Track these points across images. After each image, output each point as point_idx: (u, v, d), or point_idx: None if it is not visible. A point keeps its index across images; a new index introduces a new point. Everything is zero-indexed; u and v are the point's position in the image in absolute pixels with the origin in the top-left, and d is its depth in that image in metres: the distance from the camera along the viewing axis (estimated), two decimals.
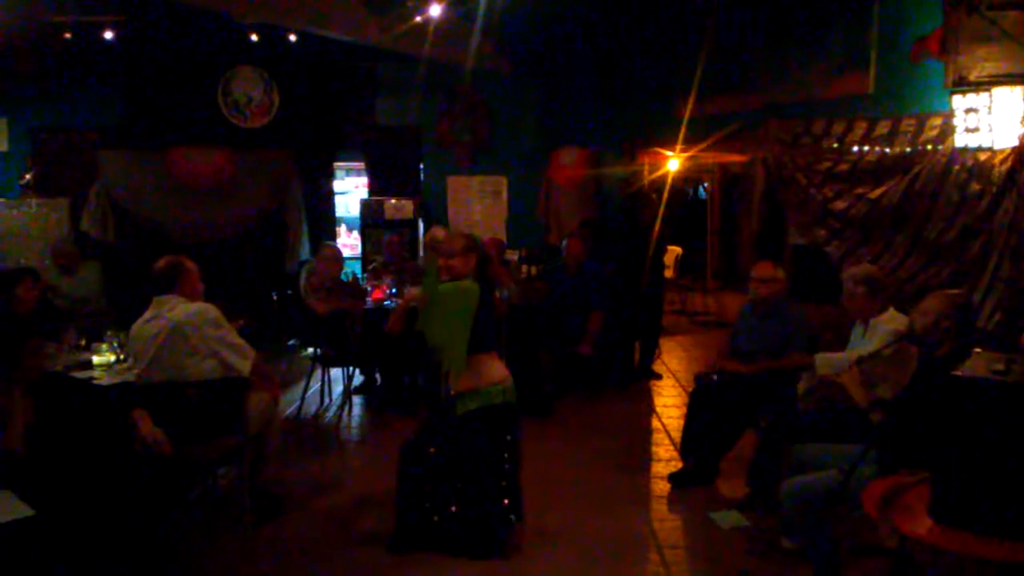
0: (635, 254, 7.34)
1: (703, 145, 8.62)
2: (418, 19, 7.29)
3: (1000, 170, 5.49)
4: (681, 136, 8.57)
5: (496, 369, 3.90)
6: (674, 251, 11.46)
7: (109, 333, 4.58)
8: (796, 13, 7.52)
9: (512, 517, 3.92)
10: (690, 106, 8.26)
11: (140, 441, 3.53)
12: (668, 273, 10.05)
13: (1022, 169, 5.34)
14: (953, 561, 2.26)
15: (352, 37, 8.41)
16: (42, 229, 8.37)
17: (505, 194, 9.73)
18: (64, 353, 4.59)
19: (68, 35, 8.26)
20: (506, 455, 3.90)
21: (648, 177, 10.05)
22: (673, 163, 9.90)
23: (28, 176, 9.04)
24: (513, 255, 8.56)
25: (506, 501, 3.89)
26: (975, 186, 5.67)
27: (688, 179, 13.77)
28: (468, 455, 3.83)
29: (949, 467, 2.35)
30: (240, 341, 4.04)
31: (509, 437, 3.92)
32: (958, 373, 2.35)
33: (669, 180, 9.60)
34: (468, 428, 3.83)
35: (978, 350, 2.61)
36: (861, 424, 3.60)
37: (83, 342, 4.76)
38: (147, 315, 3.95)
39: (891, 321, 3.91)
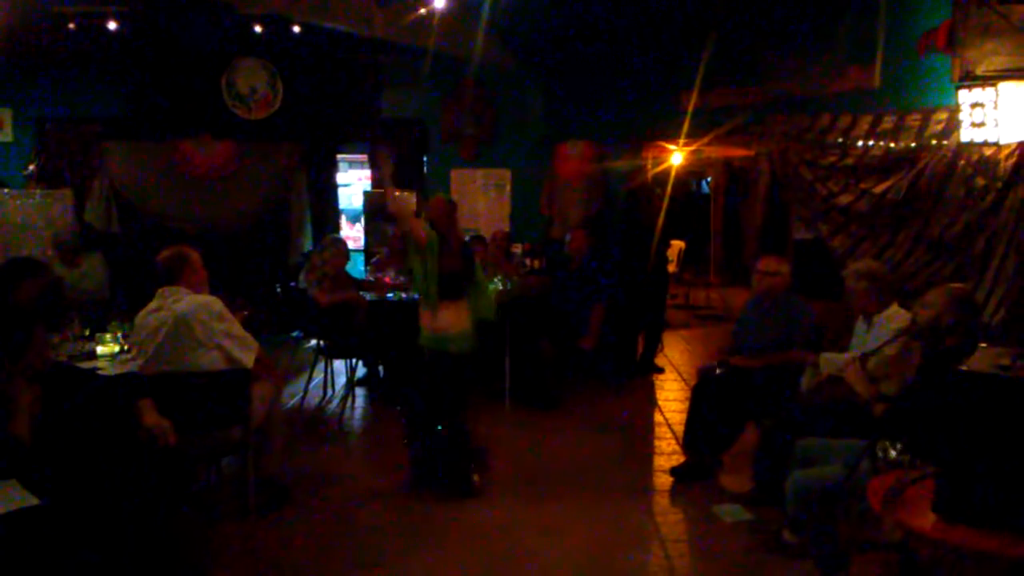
0: (638, 248, 7.33)
1: (707, 139, 8.60)
2: (423, 11, 7.27)
3: (1005, 165, 5.47)
4: (685, 130, 8.54)
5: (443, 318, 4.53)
6: (677, 245, 11.47)
7: (113, 324, 4.59)
8: (802, 6, 7.48)
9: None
10: (694, 100, 8.22)
11: (145, 431, 3.53)
12: (671, 267, 10.05)
13: None
14: (958, 556, 2.26)
15: (357, 29, 8.39)
16: (46, 220, 8.38)
17: (509, 187, 9.71)
18: (68, 343, 4.60)
19: (72, 25, 8.24)
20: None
21: (652, 171, 10.04)
22: (677, 157, 9.88)
23: (32, 167, 9.03)
24: (517, 248, 8.56)
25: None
26: (980, 181, 5.65)
27: (692, 173, 13.76)
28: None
29: (954, 462, 2.35)
30: (244, 333, 4.06)
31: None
32: (963, 368, 2.35)
33: (673, 174, 9.59)
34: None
35: (983, 345, 2.61)
36: (865, 419, 3.59)
37: (87, 332, 4.77)
38: (152, 305, 3.96)
39: (894, 318, 3.90)
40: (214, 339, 3.90)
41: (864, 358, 3.68)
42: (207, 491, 4.45)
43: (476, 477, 4.55)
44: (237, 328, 4.04)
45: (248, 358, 3.98)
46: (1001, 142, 5.41)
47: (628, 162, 9.43)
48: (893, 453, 2.73)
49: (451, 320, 4.53)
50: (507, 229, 8.96)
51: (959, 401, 2.32)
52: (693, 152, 9.81)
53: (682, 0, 8.31)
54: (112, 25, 8.23)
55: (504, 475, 4.88)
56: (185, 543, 3.73)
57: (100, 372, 4.08)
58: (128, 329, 4.43)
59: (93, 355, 4.39)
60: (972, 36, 5.48)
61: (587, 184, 9.39)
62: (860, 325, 4.13)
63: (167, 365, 3.86)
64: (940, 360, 3.18)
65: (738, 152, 10.76)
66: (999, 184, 5.51)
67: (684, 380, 7.21)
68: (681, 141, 9.03)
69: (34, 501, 2.69)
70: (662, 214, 7.41)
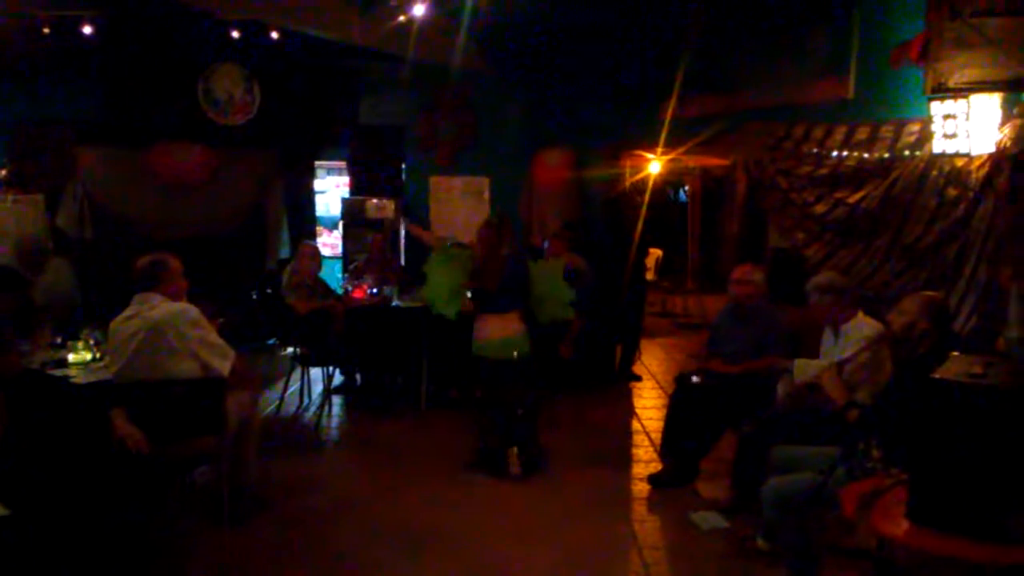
0: (617, 256, 7.35)
1: (684, 148, 8.65)
2: (402, 19, 7.26)
3: (977, 176, 5.55)
4: (663, 138, 8.59)
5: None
6: (655, 253, 11.52)
7: (85, 331, 4.53)
8: (778, 17, 7.56)
9: None
10: (671, 108, 8.27)
11: (117, 439, 3.49)
12: (649, 275, 10.08)
13: (998, 175, 5.40)
14: (931, 562, 2.28)
15: (335, 36, 8.36)
16: (17, 225, 8.23)
17: (487, 195, 9.70)
18: (39, 351, 4.53)
19: (47, 29, 8.15)
20: None
21: (630, 179, 10.08)
22: (655, 165, 9.93)
23: (3, 171, 8.89)
24: None
25: None
26: (952, 191, 5.72)
27: (669, 182, 13.84)
28: None
29: (927, 469, 2.37)
30: (219, 341, 4.01)
31: None
32: (936, 376, 2.37)
33: (651, 182, 9.63)
34: None
35: (955, 353, 2.64)
36: (839, 427, 3.62)
37: (58, 340, 4.70)
38: (127, 312, 3.90)
39: (861, 327, 3.94)
40: (189, 347, 3.86)
41: (841, 365, 3.71)
42: (181, 500, 4.40)
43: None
44: (213, 336, 3.99)
45: (224, 366, 3.94)
46: (972, 153, 5.49)
47: (606, 170, 9.46)
48: (870, 465, 2.75)
49: (493, 330, 4.93)
50: None
51: (932, 408, 2.34)
52: (671, 160, 9.85)
53: (660, 10, 8.37)
54: (87, 29, 8.14)
55: (480, 482, 4.87)
56: (158, 552, 3.69)
57: (72, 380, 4.03)
58: (100, 337, 4.37)
59: (65, 363, 4.33)
60: (945, 48, 5.55)
61: (565, 192, 9.40)
62: (828, 336, 4.18)
63: (141, 373, 3.81)
64: (913, 368, 3.22)
65: (715, 161, 10.83)
66: (970, 194, 5.59)
67: (662, 387, 7.23)
68: (659, 149, 9.07)
69: (3, 511, 2.64)
70: (640, 222, 7.43)
